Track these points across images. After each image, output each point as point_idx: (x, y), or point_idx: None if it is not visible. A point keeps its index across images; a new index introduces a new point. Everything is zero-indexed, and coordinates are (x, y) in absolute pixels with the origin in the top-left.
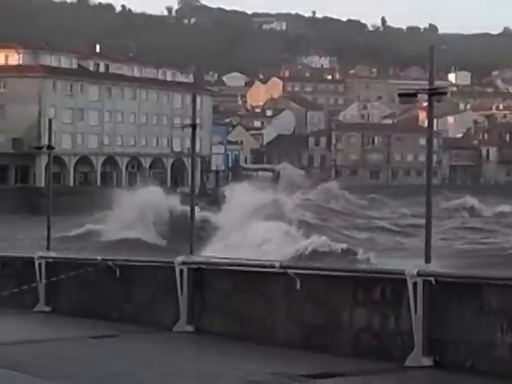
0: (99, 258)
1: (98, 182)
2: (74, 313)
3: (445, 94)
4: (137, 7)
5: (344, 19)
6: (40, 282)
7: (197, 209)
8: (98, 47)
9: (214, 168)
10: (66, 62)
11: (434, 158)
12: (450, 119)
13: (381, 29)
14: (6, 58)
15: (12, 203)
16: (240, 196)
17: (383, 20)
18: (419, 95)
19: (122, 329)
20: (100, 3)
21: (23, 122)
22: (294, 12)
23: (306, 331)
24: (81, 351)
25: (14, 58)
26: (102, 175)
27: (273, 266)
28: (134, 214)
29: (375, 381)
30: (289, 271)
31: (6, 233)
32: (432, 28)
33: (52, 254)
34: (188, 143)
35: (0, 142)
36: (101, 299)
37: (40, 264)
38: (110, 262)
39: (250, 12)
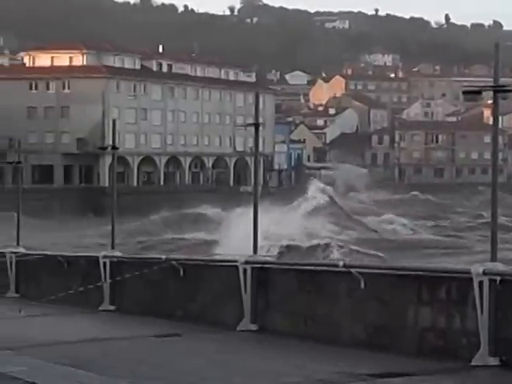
0: (163, 257)
1: (162, 182)
2: (138, 312)
3: (510, 91)
4: (199, 7)
5: (407, 17)
6: (105, 281)
7: None
8: (160, 47)
9: (276, 167)
10: (129, 62)
11: (500, 155)
12: None
13: (444, 26)
14: (71, 59)
15: (77, 203)
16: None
17: (447, 17)
18: (484, 92)
19: (186, 328)
20: (163, 4)
21: (87, 122)
22: (356, 10)
23: (370, 330)
24: (145, 350)
25: (78, 59)
26: (166, 175)
27: (336, 266)
28: None
29: (440, 380)
30: (352, 270)
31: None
32: (496, 25)
33: (116, 253)
34: (251, 142)
35: (65, 143)
36: (165, 298)
37: (105, 263)
38: (173, 262)
39: (312, 11)
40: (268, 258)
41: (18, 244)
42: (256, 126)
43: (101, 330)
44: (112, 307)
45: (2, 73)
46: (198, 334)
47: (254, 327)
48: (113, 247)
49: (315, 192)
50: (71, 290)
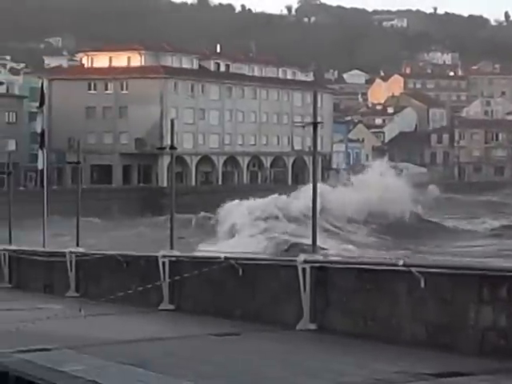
0: (222, 256)
1: (220, 182)
2: (197, 311)
3: None
4: (256, 7)
5: (466, 15)
6: (164, 281)
7: None
8: (218, 47)
9: (334, 166)
10: (187, 62)
11: None
12: None
13: (504, 24)
14: (129, 59)
15: (136, 203)
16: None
17: (506, 15)
18: None
19: (245, 327)
20: (220, 4)
21: (145, 122)
22: (414, 8)
23: (430, 330)
24: (205, 349)
25: (137, 60)
26: (224, 174)
27: (396, 264)
28: None
29: (501, 380)
30: (412, 269)
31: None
32: None
33: (175, 252)
34: (309, 141)
35: (123, 143)
36: (224, 297)
37: (164, 263)
38: (232, 261)
39: (370, 9)
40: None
41: (77, 244)
42: (314, 124)
43: (160, 329)
44: (171, 306)
45: (60, 74)
46: (258, 333)
47: (313, 326)
48: (171, 247)
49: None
50: (130, 290)
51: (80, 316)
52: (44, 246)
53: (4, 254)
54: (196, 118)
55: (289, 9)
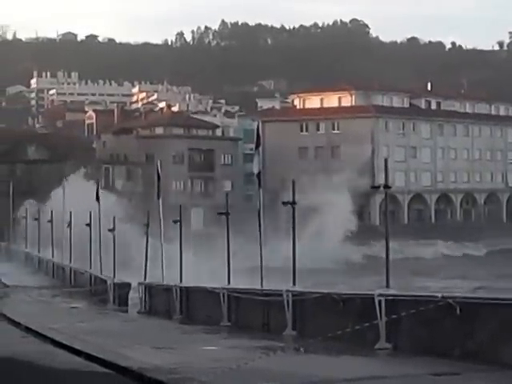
0: (439, 295)
1: (433, 220)
2: (414, 350)
3: None
4: (467, 43)
5: None
6: (380, 320)
7: None
8: (429, 85)
9: None
10: (397, 101)
11: None
12: None
13: None
14: (340, 100)
15: None
16: None
17: None
18: None
19: (465, 367)
20: (430, 41)
21: (357, 161)
22: None
23: None
24: None
25: (347, 100)
26: (436, 212)
27: None
28: None
29: None
30: None
31: None
32: None
33: (392, 291)
34: None
35: (334, 182)
36: (441, 337)
37: (380, 301)
38: (450, 300)
39: None
40: None
41: (294, 284)
42: None
43: (377, 368)
44: (388, 345)
45: (273, 115)
46: (478, 373)
47: None
48: (387, 285)
49: None
50: (347, 328)
51: (298, 354)
52: (261, 285)
53: (223, 294)
54: (407, 156)
55: (500, 44)
